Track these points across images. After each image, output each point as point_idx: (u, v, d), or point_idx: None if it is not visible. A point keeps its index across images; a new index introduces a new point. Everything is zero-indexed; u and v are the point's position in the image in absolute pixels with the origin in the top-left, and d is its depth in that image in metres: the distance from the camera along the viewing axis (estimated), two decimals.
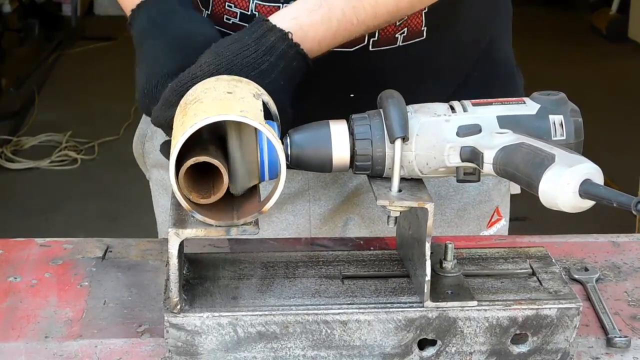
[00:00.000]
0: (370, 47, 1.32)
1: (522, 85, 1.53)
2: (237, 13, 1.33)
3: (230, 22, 1.34)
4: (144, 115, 1.51)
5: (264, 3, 1.31)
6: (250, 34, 1.15)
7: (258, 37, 1.14)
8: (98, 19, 6.82)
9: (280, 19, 1.16)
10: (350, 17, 1.19)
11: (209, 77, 1.10)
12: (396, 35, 1.32)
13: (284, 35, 1.14)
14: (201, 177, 1.03)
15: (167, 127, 1.12)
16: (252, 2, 1.32)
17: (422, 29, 1.33)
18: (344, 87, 1.18)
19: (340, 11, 1.18)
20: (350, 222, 1.49)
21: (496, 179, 1.43)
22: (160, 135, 1.41)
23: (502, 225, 1.52)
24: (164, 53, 1.19)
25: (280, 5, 1.30)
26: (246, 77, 1.10)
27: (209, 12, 1.37)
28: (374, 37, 1.31)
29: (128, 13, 1.27)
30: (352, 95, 1.16)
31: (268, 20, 1.16)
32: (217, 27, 1.35)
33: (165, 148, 1.19)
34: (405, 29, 1.32)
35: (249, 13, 1.33)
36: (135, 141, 1.58)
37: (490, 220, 1.51)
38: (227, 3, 1.34)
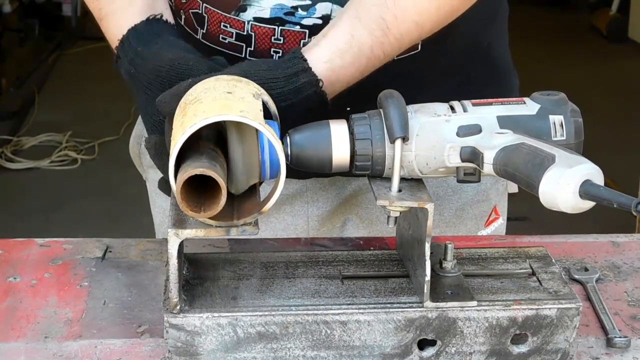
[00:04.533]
0: None
1: (518, 85, 1.53)
2: (232, 33, 1.33)
3: (227, 41, 1.34)
4: (140, 117, 1.51)
5: (260, 24, 1.31)
6: (285, 67, 1.15)
7: (290, 74, 1.14)
8: None
9: (315, 60, 1.16)
10: (378, 53, 1.19)
11: None
12: None
13: (315, 81, 1.15)
14: (201, 177, 1.03)
15: (170, 119, 1.11)
16: (248, 24, 1.32)
17: (418, 42, 1.33)
18: (341, 101, 1.19)
19: (369, 49, 1.18)
20: (349, 223, 1.49)
21: (494, 178, 1.43)
22: None
23: (499, 224, 1.52)
24: (147, 103, 1.20)
25: (275, 27, 1.30)
26: None
27: (204, 31, 1.36)
28: None
29: (114, 51, 1.27)
30: (348, 108, 1.17)
31: (305, 60, 1.15)
32: (213, 45, 1.35)
33: (163, 184, 1.19)
34: None
35: (244, 33, 1.33)
36: (132, 142, 1.58)
37: (488, 219, 1.51)
38: (222, 23, 1.34)
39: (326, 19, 1.29)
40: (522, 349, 1.09)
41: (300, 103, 1.14)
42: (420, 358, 1.08)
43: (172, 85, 1.15)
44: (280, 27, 1.30)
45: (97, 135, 4.83)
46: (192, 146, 1.02)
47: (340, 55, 1.17)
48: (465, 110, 1.10)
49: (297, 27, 1.31)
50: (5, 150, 4.67)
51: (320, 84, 1.15)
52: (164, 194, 1.19)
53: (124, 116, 4.73)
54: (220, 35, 1.35)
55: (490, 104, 1.10)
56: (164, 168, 1.15)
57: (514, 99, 1.12)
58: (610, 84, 5.70)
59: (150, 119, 1.20)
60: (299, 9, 1.30)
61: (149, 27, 1.25)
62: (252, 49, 1.33)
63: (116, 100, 4.75)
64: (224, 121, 1.01)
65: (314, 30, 1.28)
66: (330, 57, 1.17)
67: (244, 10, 1.32)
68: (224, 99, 1.03)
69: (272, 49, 1.32)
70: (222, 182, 0.98)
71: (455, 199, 1.47)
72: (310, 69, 1.15)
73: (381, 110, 1.08)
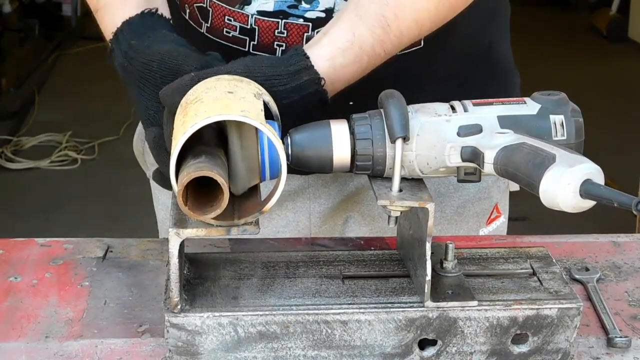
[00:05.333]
0: None
1: (519, 84, 1.54)
2: (236, 27, 1.34)
3: (230, 35, 1.35)
4: None
5: (263, 18, 1.32)
6: (287, 65, 1.15)
7: (292, 72, 1.14)
8: None
9: (317, 58, 1.16)
10: (379, 51, 1.20)
11: None
12: None
13: (317, 79, 1.15)
14: (203, 177, 1.03)
15: (170, 111, 1.11)
16: (252, 17, 1.32)
17: (418, 40, 1.33)
18: (343, 95, 1.19)
19: (370, 47, 1.19)
20: (350, 220, 1.49)
21: (495, 176, 1.44)
22: None
23: (501, 222, 1.52)
24: (140, 97, 1.20)
25: (279, 21, 1.31)
26: None
27: (208, 25, 1.37)
28: None
29: (109, 43, 1.27)
30: (351, 103, 1.17)
31: (308, 58, 1.15)
32: (217, 39, 1.35)
33: (158, 175, 1.19)
34: None
35: (248, 27, 1.33)
36: (136, 139, 1.58)
37: (490, 217, 1.51)
38: (226, 17, 1.34)
39: (329, 12, 1.30)
40: (523, 348, 1.09)
41: (302, 101, 1.14)
42: (421, 358, 1.08)
43: (162, 78, 1.16)
44: (283, 20, 1.31)
45: (97, 135, 4.83)
46: (193, 146, 1.02)
47: (342, 53, 1.17)
48: (465, 110, 1.10)
49: (301, 20, 1.31)
50: (5, 150, 4.67)
51: (322, 82, 1.15)
52: (167, 190, 1.19)
53: (124, 116, 4.73)
54: (225, 29, 1.35)
55: (491, 103, 1.11)
56: (162, 161, 1.15)
57: (515, 98, 1.12)
58: (610, 84, 5.70)
59: (145, 112, 1.20)
60: (303, 2, 1.30)
61: (143, 21, 1.26)
62: (255, 42, 1.33)
63: (116, 100, 4.74)
64: (225, 121, 1.01)
65: (317, 23, 1.28)
66: (332, 56, 1.17)
67: (249, 3, 1.32)
68: (225, 98, 1.03)
69: (276, 43, 1.32)
70: (224, 185, 0.98)
71: (457, 196, 1.47)
72: (313, 66, 1.15)
73: (382, 110, 1.08)
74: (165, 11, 1.30)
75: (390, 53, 1.21)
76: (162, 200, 1.56)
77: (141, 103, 1.20)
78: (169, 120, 1.11)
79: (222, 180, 0.98)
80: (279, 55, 1.32)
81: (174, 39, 1.24)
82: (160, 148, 1.15)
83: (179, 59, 1.18)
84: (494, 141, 1.06)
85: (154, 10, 1.27)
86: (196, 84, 1.09)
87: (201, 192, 1.01)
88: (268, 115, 1.07)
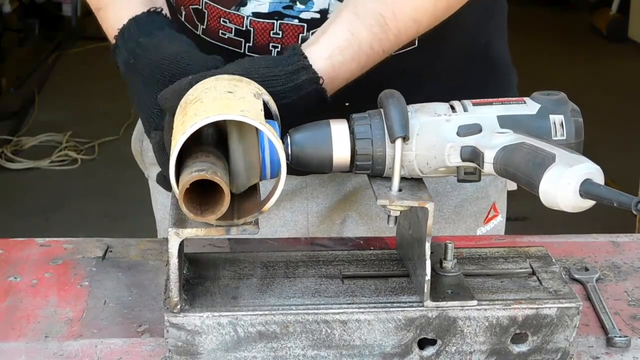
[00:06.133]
0: None
1: (517, 82, 1.54)
2: (232, 28, 1.34)
3: (226, 37, 1.35)
4: None
5: (259, 19, 1.32)
6: (285, 65, 1.14)
7: (290, 71, 1.14)
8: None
9: (315, 57, 1.16)
10: (377, 50, 1.20)
11: None
12: None
13: (315, 79, 1.15)
14: (202, 180, 1.03)
15: (171, 116, 1.11)
16: (247, 19, 1.32)
17: (415, 38, 1.33)
18: (339, 96, 1.19)
19: (368, 45, 1.19)
20: (348, 219, 1.49)
21: (493, 176, 1.44)
22: None
23: (499, 222, 1.53)
24: (145, 95, 1.19)
25: (274, 22, 1.31)
26: None
27: (204, 27, 1.37)
28: None
29: (112, 40, 1.27)
30: (347, 104, 1.17)
31: (305, 57, 1.15)
32: (212, 41, 1.35)
33: (161, 178, 1.19)
34: None
35: (243, 29, 1.33)
36: (134, 139, 1.58)
37: (487, 216, 1.51)
38: (221, 18, 1.34)
39: (324, 12, 1.30)
40: (522, 348, 1.09)
41: (301, 100, 1.14)
42: (421, 357, 1.08)
43: (172, 77, 1.15)
44: (279, 21, 1.31)
45: (97, 135, 4.83)
46: (193, 146, 1.02)
47: (340, 52, 1.17)
48: (465, 110, 1.10)
49: (296, 21, 1.31)
50: (5, 150, 4.67)
51: (321, 81, 1.15)
52: (165, 190, 1.19)
53: (124, 116, 4.73)
54: (220, 31, 1.35)
55: (491, 103, 1.11)
56: (165, 165, 1.15)
57: (514, 98, 1.12)
58: (610, 84, 5.70)
59: (147, 111, 1.20)
60: (298, 3, 1.30)
61: (151, 19, 1.25)
62: (250, 44, 1.33)
63: (116, 100, 4.74)
64: (225, 121, 1.02)
65: (312, 24, 1.29)
66: (330, 54, 1.17)
67: (244, 4, 1.32)
68: (225, 98, 1.03)
69: (271, 44, 1.32)
70: (226, 187, 0.98)
71: (455, 195, 1.47)
72: (311, 66, 1.15)
73: (381, 109, 1.08)
74: (167, 11, 1.30)
75: (388, 51, 1.21)
76: (161, 200, 1.56)
77: (144, 102, 1.20)
78: (169, 123, 1.11)
79: (224, 184, 0.98)
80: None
81: (185, 39, 1.24)
82: (164, 151, 1.15)
83: (192, 61, 1.18)
84: (493, 141, 1.06)
85: (159, 10, 1.27)
86: (193, 86, 1.09)
87: (201, 191, 1.01)
88: (268, 114, 1.07)
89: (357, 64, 1.19)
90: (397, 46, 1.23)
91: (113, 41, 1.26)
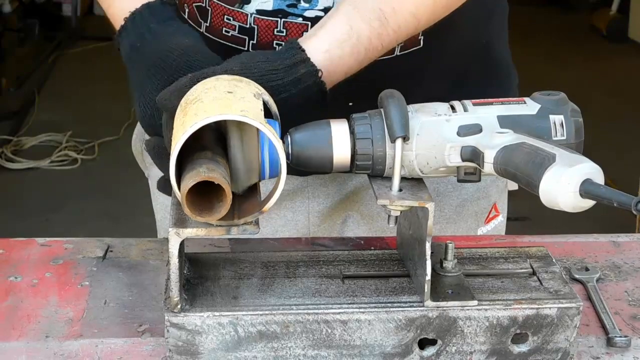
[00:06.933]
0: None
1: (517, 83, 1.54)
2: (235, 26, 1.34)
3: (229, 34, 1.35)
4: None
5: (262, 17, 1.32)
6: (283, 59, 1.14)
7: (289, 65, 1.14)
8: (98, 19, 6.77)
9: (314, 50, 1.16)
10: (376, 45, 1.19)
11: None
12: None
13: (314, 72, 1.14)
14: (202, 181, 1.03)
15: (170, 116, 1.11)
16: (251, 16, 1.32)
17: (420, 37, 1.34)
18: (342, 95, 1.19)
19: (368, 40, 1.18)
20: (349, 219, 1.49)
21: (494, 176, 1.44)
22: None
23: (499, 222, 1.53)
24: (147, 80, 1.19)
25: (278, 20, 1.31)
26: None
27: (207, 24, 1.37)
28: None
29: (121, 22, 1.27)
30: (350, 104, 1.17)
31: (304, 51, 1.15)
32: (216, 39, 1.35)
33: (162, 183, 1.19)
34: None
35: (247, 26, 1.33)
36: (134, 139, 1.58)
37: (488, 216, 1.51)
38: (225, 16, 1.34)
39: (328, 11, 1.29)
40: (523, 348, 1.09)
41: (300, 94, 1.14)
42: (421, 357, 1.08)
43: (177, 69, 1.15)
44: (282, 19, 1.31)
45: (97, 135, 4.82)
46: (193, 146, 1.02)
47: (339, 45, 1.17)
48: (465, 110, 1.10)
49: (300, 19, 1.31)
50: (5, 150, 4.66)
51: (320, 74, 1.15)
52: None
53: (124, 116, 4.73)
54: (224, 29, 1.35)
55: (491, 103, 1.11)
56: (164, 168, 1.15)
57: (515, 98, 1.12)
58: (610, 83, 5.70)
59: (145, 97, 1.19)
60: (302, 1, 1.30)
61: (164, 8, 1.26)
62: (254, 42, 1.33)
63: (116, 100, 4.74)
64: (225, 121, 1.02)
65: (316, 22, 1.29)
66: (329, 47, 1.17)
67: (248, 2, 1.32)
68: (225, 98, 1.03)
69: (275, 42, 1.32)
70: (228, 188, 0.98)
71: (455, 195, 1.47)
72: (309, 59, 1.15)
73: (382, 109, 1.08)
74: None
75: (388, 46, 1.21)
76: (161, 200, 1.56)
77: (143, 88, 1.19)
78: (168, 124, 1.11)
79: (226, 185, 0.98)
80: None
81: (197, 35, 1.24)
82: (161, 156, 1.14)
83: (203, 56, 1.18)
84: (493, 141, 1.06)
85: (172, 2, 1.27)
86: (194, 84, 1.09)
87: (202, 191, 1.01)
88: (268, 114, 1.07)
89: (356, 58, 1.19)
90: (398, 41, 1.23)
91: (122, 22, 1.26)
